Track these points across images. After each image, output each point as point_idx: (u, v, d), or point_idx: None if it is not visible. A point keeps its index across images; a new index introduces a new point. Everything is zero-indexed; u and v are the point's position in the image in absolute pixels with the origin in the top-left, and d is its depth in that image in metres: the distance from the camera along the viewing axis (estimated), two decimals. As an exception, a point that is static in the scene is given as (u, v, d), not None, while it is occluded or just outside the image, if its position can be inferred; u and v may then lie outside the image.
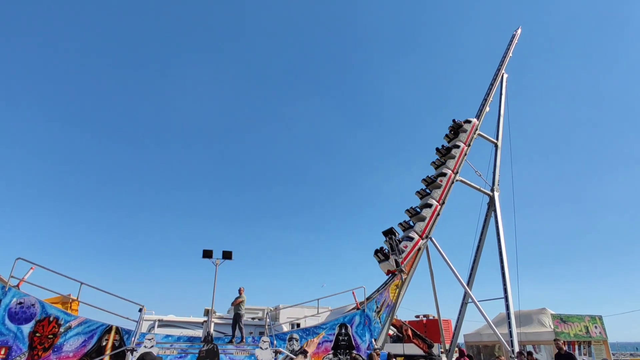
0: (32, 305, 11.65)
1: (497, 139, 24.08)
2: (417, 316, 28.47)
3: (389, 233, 17.76)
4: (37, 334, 11.38)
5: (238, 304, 13.83)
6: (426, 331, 25.14)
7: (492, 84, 25.28)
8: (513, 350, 16.90)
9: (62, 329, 11.64)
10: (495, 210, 21.73)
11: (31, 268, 12.14)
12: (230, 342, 13.18)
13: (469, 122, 22.70)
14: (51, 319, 11.65)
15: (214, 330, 13.59)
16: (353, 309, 16.33)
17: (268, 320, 14.57)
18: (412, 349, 22.31)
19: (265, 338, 12.58)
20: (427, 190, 20.53)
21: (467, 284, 20.86)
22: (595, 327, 22.52)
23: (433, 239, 19.59)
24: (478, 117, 23.51)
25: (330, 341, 14.77)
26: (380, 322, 16.47)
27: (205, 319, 13.13)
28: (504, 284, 19.58)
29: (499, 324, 20.62)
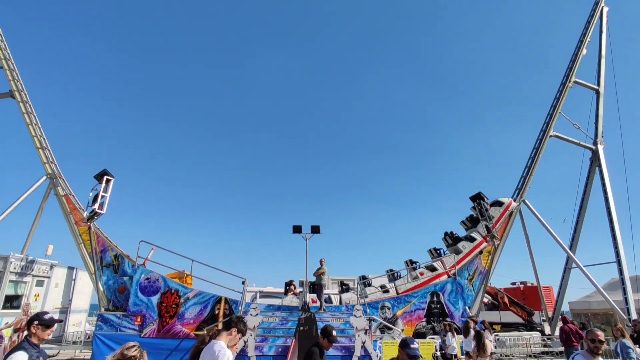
0: (157, 280, 13.54)
1: (597, 84, 21.22)
2: (514, 283, 27.07)
3: (477, 198, 17.00)
4: (163, 304, 13.25)
5: (319, 275, 14.59)
6: (524, 299, 23.88)
7: (589, 22, 22.09)
8: (630, 319, 15.35)
9: (182, 300, 13.40)
10: (600, 166, 19.45)
11: (152, 249, 14.07)
12: (319, 310, 14.01)
13: (500, 204, 18.04)
14: (172, 291, 13.46)
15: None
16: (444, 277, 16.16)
17: (359, 289, 15.10)
18: (509, 316, 21.45)
19: (358, 306, 13.07)
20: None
21: (570, 248, 19.22)
22: None
23: (527, 201, 18.29)
24: (570, 68, 20.74)
25: (423, 309, 14.86)
26: (473, 289, 16.07)
27: (301, 289, 14.09)
28: (615, 247, 17.67)
29: (610, 290, 18.76)
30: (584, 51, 21.35)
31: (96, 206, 13.32)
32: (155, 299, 13.25)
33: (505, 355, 15.39)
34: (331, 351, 12.30)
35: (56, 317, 14.06)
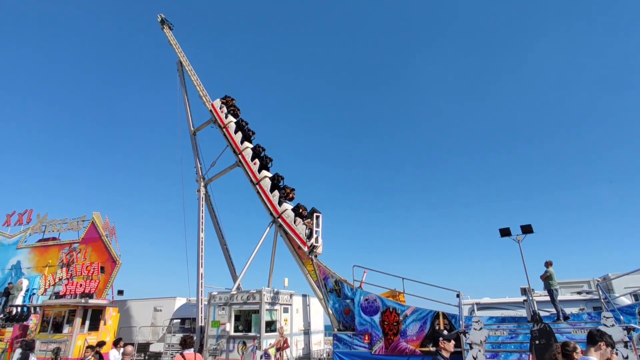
0: (374, 300, 14.63)
1: None
2: None
3: None
4: (385, 323, 14.15)
5: (545, 279, 12.89)
6: None
7: None
8: None
9: (401, 317, 14.02)
10: None
11: (364, 272, 15.37)
12: (557, 320, 12.28)
13: None
14: (391, 310, 14.25)
15: (539, 309, 12.94)
16: None
17: (601, 292, 12.65)
18: None
19: (606, 313, 10.92)
20: None
21: None
22: None
23: None
24: None
25: None
26: None
27: (525, 298, 12.76)
28: None
29: None
30: None
31: (313, 241, 15.56)
32: (377, 318, 14.30)
33: None
34: (582, 368, 10.58)
35: (300, 337, 16.65)
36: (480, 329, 11.95)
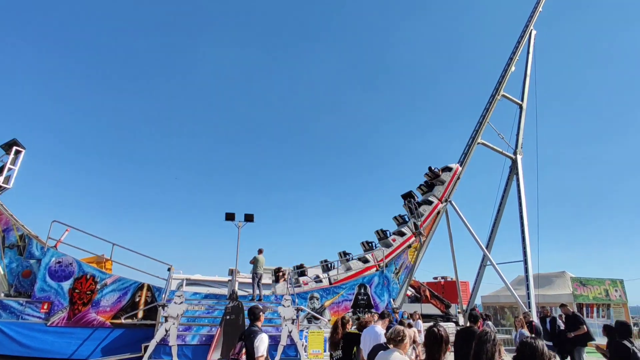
0: (70, 264, 12.41)
1: (522, 100, 23.26)
2: (435, 278, 29.00)
3: (407, 196, 17.82)
4: (77, 290, 12.19)
5: (253, 263, 14.39)
6: (444, 292, 25.71)
7: (519, 42, 24.06)
8: (529, 312, 17.17)
9: (98, 286, 12.43)
10: (517, 174, 21.40)
11: (66, 230, 12.84)
12: (252, 299, 13.87)
13: (449, 169, 20.08)
14: (88, 276, 12.43)
15: (239, 289, 14.21)
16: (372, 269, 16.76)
17: (289, 279, 15.14)
18: (429, 308, 22.91)
19: (287, 296, 13.11)
20: None
21: (487, 247, 20.96)
22: (616, 290, 22.37)
23: (453, 202, 19.57)
24: (500, 82, 22.47)
25: (350, 300, 15.30)
26: (398, 282, 16.87)
27: (230, 278, 13.79)
28: (524, 247, 19.60)
29: (518, 286, 20.82)
30: (513, 68, 23.22)
31: (1, 179, 11.84)
32: (66, 285, 12.14)
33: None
34: (257, 341, 12.23)
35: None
36: (181, 303, 12.02)
